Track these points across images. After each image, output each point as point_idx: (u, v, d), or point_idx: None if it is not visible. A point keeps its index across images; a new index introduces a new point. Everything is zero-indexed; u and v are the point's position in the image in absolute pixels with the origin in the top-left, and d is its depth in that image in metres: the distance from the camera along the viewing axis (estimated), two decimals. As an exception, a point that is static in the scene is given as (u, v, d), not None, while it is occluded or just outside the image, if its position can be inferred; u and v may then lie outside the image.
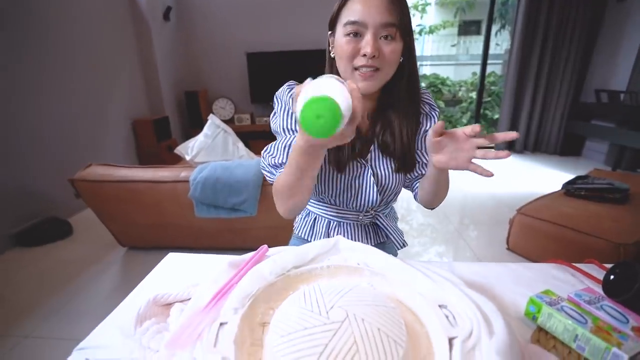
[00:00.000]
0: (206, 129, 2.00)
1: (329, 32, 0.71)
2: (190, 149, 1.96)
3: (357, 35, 0.64)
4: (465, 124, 5.54)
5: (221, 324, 0.46)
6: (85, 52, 2.75)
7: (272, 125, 0.76)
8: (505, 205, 2.72)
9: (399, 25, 0.63)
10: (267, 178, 0.76)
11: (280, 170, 0.72)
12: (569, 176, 2.66)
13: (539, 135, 4.26)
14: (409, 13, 0.67)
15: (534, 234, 1.89)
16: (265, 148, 0.76)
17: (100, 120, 2.93)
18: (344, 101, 0.43)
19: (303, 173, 0.60)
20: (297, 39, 3.85)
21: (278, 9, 3.83)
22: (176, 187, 1.74)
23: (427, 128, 0.75)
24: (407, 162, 0.75)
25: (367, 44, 0.62)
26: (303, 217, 0.90)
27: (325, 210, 0.83)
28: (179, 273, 0.67)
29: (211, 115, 2.02)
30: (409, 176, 0.79)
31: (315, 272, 0.56)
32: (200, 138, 1.98)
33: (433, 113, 0.76)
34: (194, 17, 3.92)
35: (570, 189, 2.03)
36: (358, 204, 0.79)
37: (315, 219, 0.86)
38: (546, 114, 4.15)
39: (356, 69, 0.65)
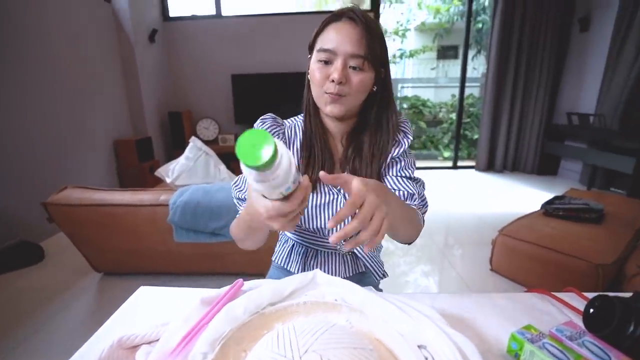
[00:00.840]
0: (187, 151, 1.97)
1: (309, 56, 0.73)
2: (171, 171, 1.91)
3: (328, 63, 0.67)
4: (447, 144, 5.68)
5: (187, 373, 0.42)
6: (67, 70, 2.70)
7: None
8: (487, 225, 2.74)
9: (368, 57, 0.65)
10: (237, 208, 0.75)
11: (243, 206, 0.72)
12: (547, 195, 2.73)
13: (517, 155, 4.38)
14: (382, 45, 0.69)
15: (516, 255, 1.90)
16: (235, 179, 0.76)
17: (80, 140, 2.85)
18: (286, 159, 0.41)
19: (254, 230, 0.63)
20: (281, 62, 3.91)
21: (263, 32, 3.89)
22: (155, 211, 1.69)
23: (395, 155, 0.75)
24: None
25: (335, 70, 0.66)
26: (281, 243, 0.88)
27: (302, 238, 0.81)
28: (150, 309, 0.63)
29: (193, 138, 1.99)
30: None
31: (291, 309, 0.54)
32: (181, 161, 1.95)
33: (404, 140, 0.76)
34: (180, 40, 3.94)
35: (548, 209, 2.07)
36: (333, 232, 0.77)
37: (292, 246, 0.84)
38: (523, 135, 4.29)
39: (326, 92, 0.68)
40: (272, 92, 3.82)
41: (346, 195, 0.74)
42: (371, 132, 0.74)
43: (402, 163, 0.75)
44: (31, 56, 2.41)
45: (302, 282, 0.56)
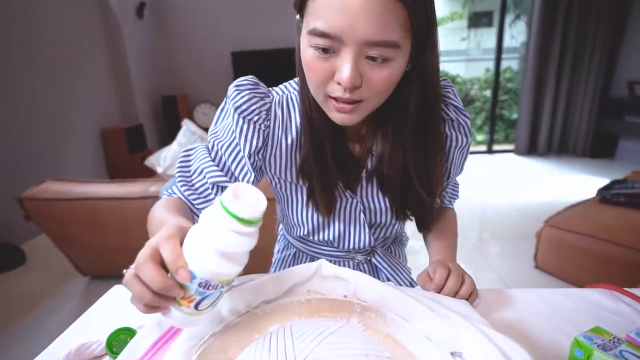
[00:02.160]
0: (180, 136, 1.94)
1: (297, 20, 0.53)
2: (162, 159, 1.89)
3: (328, 51, 0.47)
4: (480, 126, 5.51)
5: (155, 387, 0.37)
6: (45, 52, 2.71)
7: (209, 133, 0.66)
8: (529, 217, 2.63)
9: (397, 43, 0.45)
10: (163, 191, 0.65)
11: (177, 189, 0.62)
12: (603, 181, 2.59)
13: (564, 135, 4.21)
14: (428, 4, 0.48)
15: (567, 249, 1.80)
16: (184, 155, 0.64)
17: (63, 130, 2.87)
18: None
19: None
20: (288, 36, 3.84)
21: (267, 2, 3.83)
22: (145, 205, 1.66)
23: (460, 145, 0.64)
24: (406, 203, 0.65)
25: (343, 69, 0.46)
26: (281, 248, 0.82)
27: (308, 246, 0.76)
28: (125, 311, 0.58)
29: (185, 120, 1.96)
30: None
31: (290, 308, 0.48)
32: (173, 147, 1.92)
33: (459, 139, 0.63)
34: (171, 14, 3.92)
35: (606, 195, 1.96)
36: (346, 245, 0.71)
37: (295, 253, 0.78)
38: (572, 111, 4.11)
39: (330, 96, 0.51)
40: (278, 70, 3.75)
41: (363, 200, 0.67)
42: (404, 125, 0.57)
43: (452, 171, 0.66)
44: (2, 39, 2.42)
45: (304, 275, 0.51)
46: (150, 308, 0.36)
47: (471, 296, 0.54)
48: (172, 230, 0.38)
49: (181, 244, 0.37)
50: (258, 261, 0.60)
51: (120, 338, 0.49)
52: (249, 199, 0.36)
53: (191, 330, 0.42)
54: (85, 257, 1.88)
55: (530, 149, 4.34)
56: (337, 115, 0.52)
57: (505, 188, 3.30)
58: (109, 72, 3.44)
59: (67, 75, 2.92)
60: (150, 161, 1.89)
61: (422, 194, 0.60)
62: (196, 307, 0.37)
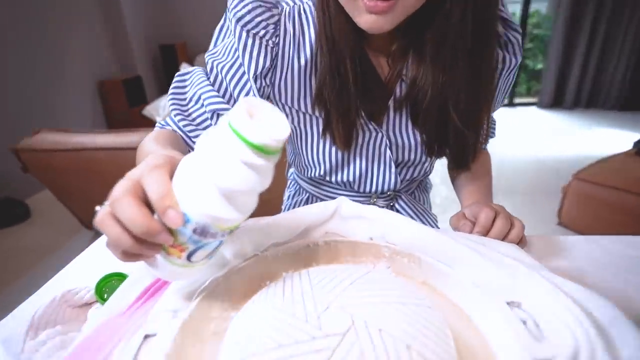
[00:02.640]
0: (180, 82, 1.84)
1: None
2: (161, 108, 1.81)
3: None
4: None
5: (146, 337, 0.32)
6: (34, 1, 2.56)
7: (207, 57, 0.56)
8: (553, 172, 2.54)
9: None
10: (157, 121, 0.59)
11: (171, 120, 0.56)
12: (637, 135, 2.46)
13: (594, 87, 3.98)
14: None
15: (596, 205, 1.73)
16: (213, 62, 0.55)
17: (58, 83, 2.78)
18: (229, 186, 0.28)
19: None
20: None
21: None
22: (145, 156, 1.60)
23: (508, 67, 0.56)
24: (444, 137, 0.56)
25: None
26: (292, 194, 0.75)
27: (323, 190, 0.68)
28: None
29: (183, 64, 1.85)
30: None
31: (305, 252, 0.42)
32: (173, 94, 1.83)
33: (510, 58, 0.55)
34: (167, -49, 3.66)
35: (643, 148, 1.84)
36: (367, 187, 0.63)
37: (308, 199, 0.71)
38: (606, 61, 3.85)
39: None
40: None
41: (390, 133, 0.58)
42: (447, 40, 0.48)
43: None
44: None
45: (321, 215, 0.44)
46: (131, 256, 0.29)
47: (520, 243, 0.47)
48: (159, 159, 0.30)
49: (171, 179, 0.29)
50: (265, 210, 0.52)
51: (111, 284, 0.44)
52: (266, 120, 0.27)
53: (189, 275, 0.36)
54: (88, 211, 1.86)
55: (556, 102, 4.14)
56: (368, 18, 0.43)
57: (527, 142, 3.17)
58: (102, 19, 3.26)
59: (60, 24, 2.78)
60: (149, 110, 1.81)
61: (463, 129, 0.52)
62: (189, 257, 0.30)
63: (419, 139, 0.58)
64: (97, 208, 0.30)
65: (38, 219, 2.24)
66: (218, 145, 0.27)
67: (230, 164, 0.26)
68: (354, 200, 0.61)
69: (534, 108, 4.26)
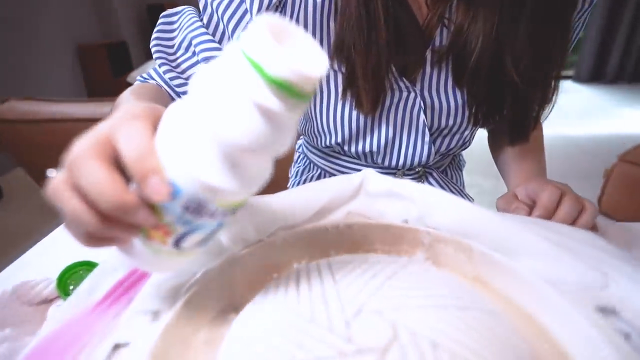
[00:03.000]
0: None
1: None
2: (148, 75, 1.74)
3: None
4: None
5: (116, 346, 0.26)
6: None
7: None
8: (592, 154, 2.47)
9: None
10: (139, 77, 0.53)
11: (155, 72, 0.51)
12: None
13: (640, 58, 3.86)
14: None
15: (645, 190, 1.66)
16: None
17: (30, 47, 2.70)
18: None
19: None
20: None
21: None
22: (129, 129, 1.55)
23: (580, 10, 0.50)
24: (498, 100, 0.51)
25: None
26: (300, 171, 0.70)
27: (338, 165, 0.62)
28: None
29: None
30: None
31: (322, 238, 0.36)
32: (161, 59, 1.76)
33: None
34: None
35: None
36: (393, 160, 0.57)
37: (320, 176, 0.65)
38: (654, 28, 3.72)
39: None
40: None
41: (425, 93, 0.52)
42: None
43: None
44: None
45: (342, 191, 0.38)
46: (97, 240, 0.23)
47: (591, 230, 0.41)
48: (137, 109, 0.23)
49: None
50: (266, 192, 0.46)
51: (77, 275, 0.39)
52: (294, 48, 0.21)
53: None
54: (66, 192, 1.82)
55: (596, 76, 4.02)
56: None
57: (562, 121, 3.08)
58: (82, -26, 3.17)
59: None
60: (135, 77, 1.74)
61: (524, 89, 0.45)
62: (176, 243, 0.24)
63: (461, 100, 0.51)
64: (51, 172, 0.24)
65: (11, 200, 2.21)
66: (222, 82, 0.20)
67: (239, 106, 0.19)
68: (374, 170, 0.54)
69: (569, 82, 4.15)
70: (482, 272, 0.33)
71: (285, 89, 0.19)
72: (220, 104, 0.20)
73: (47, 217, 1.99)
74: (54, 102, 1.66)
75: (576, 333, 0.26)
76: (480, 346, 0.22)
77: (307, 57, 0.20)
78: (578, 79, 4.08)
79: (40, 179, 1.92)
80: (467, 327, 0.23)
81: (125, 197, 0.20)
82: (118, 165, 0.22)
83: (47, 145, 1.64)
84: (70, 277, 0.38)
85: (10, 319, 0.35)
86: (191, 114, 0.21)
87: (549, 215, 0.41)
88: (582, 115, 3.22)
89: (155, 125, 0.23)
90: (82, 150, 0.21)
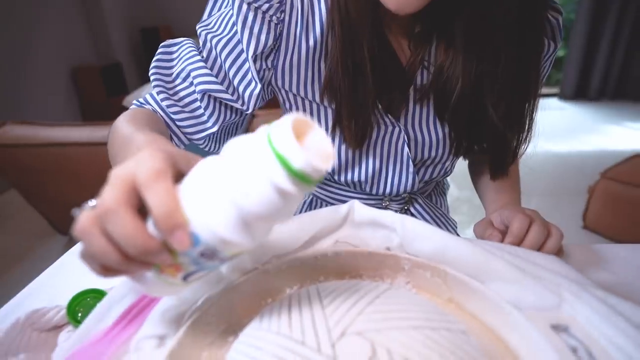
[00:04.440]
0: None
1: None
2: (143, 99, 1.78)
3: None
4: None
5: (127, 369, 0.30)
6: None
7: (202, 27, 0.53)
8: (576, 170, 2.53)
9: None
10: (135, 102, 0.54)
11: (152, 98, 0.52)
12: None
13: (623, 76, 3.97)
14: None
15: (626, 207, 1.71)
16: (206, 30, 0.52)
17: (24, 69, 2.73)
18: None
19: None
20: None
21: None
22: (124, 152, 1.58)
23: (547, 53, 0.54)
24: (477, 136, 0.56)
25: None
26: None
27: (328, 191, 0.66)
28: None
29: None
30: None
31: (312, 265, 0.40)
32: (156, 83, 1.80)
33: (548, 35, 0.53)
34: None
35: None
36: (380, 188, 0.61)
37: (311, 202, 0.69)
38: (636, 47, 3.84)
39: None
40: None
41: (409, 128, 0.56)
42: (487, 18, 0.45)
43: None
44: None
45: (330, 221, 0.42)
46: (113, 272, 0.27)
47: (557, 254, 0.45)
48: (158, 158, 0.26)
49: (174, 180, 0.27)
50: None
51: (86, 302, 0.42)
52: (312, 144, 0.26)
53: (176, 297, 0.34)
54: (61, 213, 1.83)
55: (579, 93, 4.13)
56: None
57: (547, 137, 3.15)
58: (77, 1, 3.22)
59: (28, 2, 2.74)
60: (130, 101, 1.78)
61: (502, 127, 0.50)
62: (185, 278, 0.29)
63: (442, 134, 0.56)
64: (76, 211, 0.27)
65: (4, 222, 2.21)
66: (250, 162, 0.24)
67: (261, 186, 0.24)
68: (364, 204, 0.59)
69: (555, 99, 4.25)
70: (456, 294, 0.37)
71: (301, 179, 0.24)
72: (245, 178, 0.24)
73: (40, 241, 2.00)
74: (49, 126, 1.68)
75: (533, 348, 0.30)
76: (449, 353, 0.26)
77: (320, 152, 0.26)
78: (563, 96, 4.18)
79: (35, 201, 1.92)
80: (436, 345, 0.27)
81: (151, 244, 0.24)
82: (140, 208, 0.25)
83: (42, 169, 1.65)
84: (79, 305, 0.41)
85: (23, 344, 0.37)
86: (218, 178, 0.25)
87: (519, 242, 0.45)
88: (567, 132, 3.29)
89: (175, 173, 0.27)
90: (113, 199, 0.24)
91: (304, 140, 0.26)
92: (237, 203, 0.24)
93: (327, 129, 0.56)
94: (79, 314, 0.41)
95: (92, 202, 0.27)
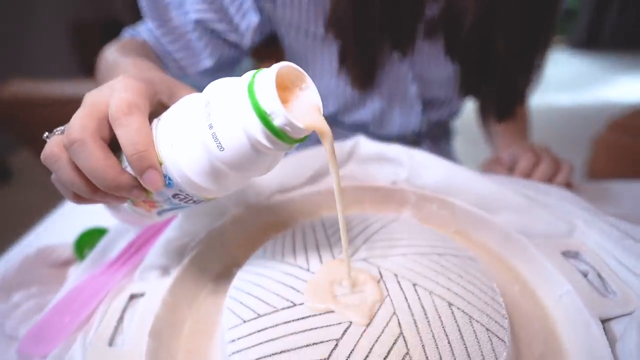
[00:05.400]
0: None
1: None
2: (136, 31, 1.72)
3: None
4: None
5: (132, 297, 0.29)
6: None
7: None
8: (583, 121, 2.46)
9: None
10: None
11: (144, 27, 0.49)
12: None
13: (638, 23, 3.77)
14: None
15: (631, 158, 1.67)
16: None
17: (22, 25, 2.65)
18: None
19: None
20: None
21: None
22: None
23: None
24: (488, 73, 0.51)
25: None
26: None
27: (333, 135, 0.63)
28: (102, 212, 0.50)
29: None
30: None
31: (315, 200, 0.38)
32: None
33: None
34: None
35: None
36: (386, 129, 0.58)
37: (314, 146, 0.66)
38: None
39: None
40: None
41: (416, 64, 0.52)
42: None
43: None
44: None
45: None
46: (86, 200, 0.25)
47: (568, 188, 0.43)
48: (134, 90, 0.24)
49: (150, 117, 0.24)
50: None
51: (92, 239, 0.41)
52: (298, 99, 0.23)
53: (181, 225, 0.33)
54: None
55: (590, 41, 3.95)
56: None
57: (554, 87, 3.05)
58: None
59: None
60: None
61: (513, 61, 0.46)
62: (159, 214, 0.27)
63: (451, 72, 0.52)
64: (46, 135, 0.25)
65: (22, 179, 2.23)
66: (228, 108, 0.22)
67: (236, 137, 0.22)
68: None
69: (563, 47, 4.08)
70: (463, 226, 0.35)
71: (279, 137, 0.21)
72: (221, 125, 0.22)
73: (60, 197, 2.01)
74: (53, 82, 1.65)
75: (542, 274, 0.29)
76: (455, 285, 0.25)
77: (307, 109, 0.23)
78: (572, 43, 4.01)
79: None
80: (443, 269, 0.26)
81: (122, 179, 0.22)
82: (112, 141, 0.23)
83: (51, 125, 1.64)
84: (86, 242, 0.41)
85: (35, 279, 0.37)
86: (195, 120, 0.23)
87: (527, 177, 0.43)
88: (575, 82, 3.18)
89: (152, 106, 0.25)
90: (84, 130, 0.22)
91: (292, 93, 0.23)
92: (211, 150, 0.22)
93: (330, 65, 0.53)
94: (86, 251, 0.40)
95: (60, 129, 0.25)
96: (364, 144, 0.41)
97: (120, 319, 0.27)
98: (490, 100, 0.54)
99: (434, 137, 0.67)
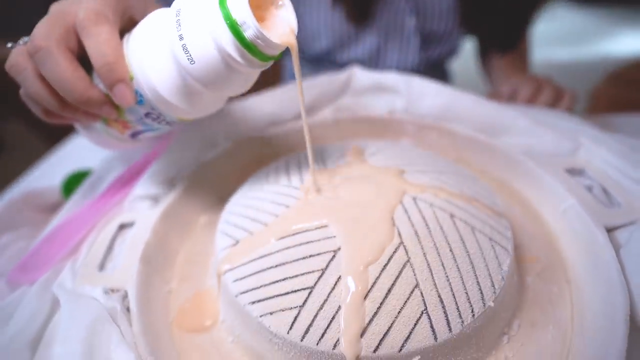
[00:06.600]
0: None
1: None
2: None
3: None
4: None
5: (121, 226, 0.28)
6: None
7: None
8: (583, 76, 2.42)
9: None
10: None
11: None
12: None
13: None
14: None
15: (634, 109, 1.65)
16: None
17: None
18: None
19: None
20: None
21: None
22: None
23: None
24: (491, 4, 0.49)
25: None
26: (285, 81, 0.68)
27: (322, 74, 0.61)
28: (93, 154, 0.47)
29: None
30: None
31: (311, 132, 0.37)
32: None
33: None
34: None
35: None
36: (382, 67, 0.56)
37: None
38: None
39: None
40: None
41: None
42: None
43: None
44: None
45: (328, 88, 0.38)
46: (57, 117, 0.24)
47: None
48: (104, 0, 0.22)
49: (121, 33, 0.23)
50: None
51: (81, 182, 0.40)
52: (272, 13, 0.22)
53: (171, 157, 0.32)
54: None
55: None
56: None
57: (552, 41, 2.98)
58: None
59: None
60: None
61: None
62: (132, 136, 0.26)
63: (452, 3, 0.49)
64: (10, 45, 0.23)
65: (13, 150, 2.19)
66: (199, 19, 0.20)
67: (206, 50, 0.20)
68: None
69: (562, 1, 3.97)
70: (465, 153, 0.34)
71: (251, 51, 0.20)
72: (192, 39, 0.20)
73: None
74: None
75: (545, 191, 0.28)
76: (455, 197, 0.24)
77: (281, 23, 0.22)
78: None
79: (40, 127, 1.89)
80: (443, 184, 0.25)
81: (91, 93, 0.21)
82: (80, 53, 0.22)
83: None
84: (73, 184, 0.39)
85: (25, 221, 0.36)
86: (165, 33, 0.21)
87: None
88: (575, 36, 3.11)
89: (125, 21, 0.23)
90: (48, 38, 0.21)
91: (268, 11, 0.22)
92: (181, 62, 0.21)
93: (325, 3, 0.50)
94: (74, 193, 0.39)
95: (25, 39, 0.23)
96: (359, 75, 0.39)
97: (110, 247, 0.27)
98: (492, 31, 0.52)
99: (432, 77, 0.65)
